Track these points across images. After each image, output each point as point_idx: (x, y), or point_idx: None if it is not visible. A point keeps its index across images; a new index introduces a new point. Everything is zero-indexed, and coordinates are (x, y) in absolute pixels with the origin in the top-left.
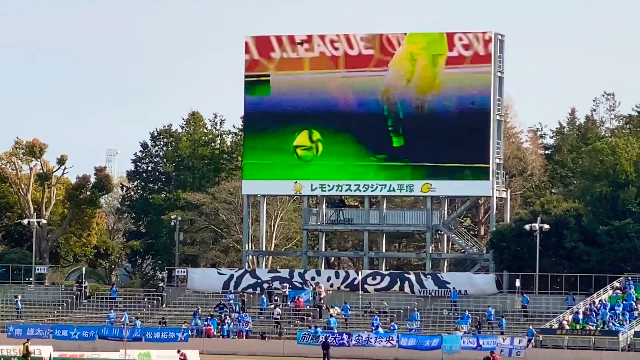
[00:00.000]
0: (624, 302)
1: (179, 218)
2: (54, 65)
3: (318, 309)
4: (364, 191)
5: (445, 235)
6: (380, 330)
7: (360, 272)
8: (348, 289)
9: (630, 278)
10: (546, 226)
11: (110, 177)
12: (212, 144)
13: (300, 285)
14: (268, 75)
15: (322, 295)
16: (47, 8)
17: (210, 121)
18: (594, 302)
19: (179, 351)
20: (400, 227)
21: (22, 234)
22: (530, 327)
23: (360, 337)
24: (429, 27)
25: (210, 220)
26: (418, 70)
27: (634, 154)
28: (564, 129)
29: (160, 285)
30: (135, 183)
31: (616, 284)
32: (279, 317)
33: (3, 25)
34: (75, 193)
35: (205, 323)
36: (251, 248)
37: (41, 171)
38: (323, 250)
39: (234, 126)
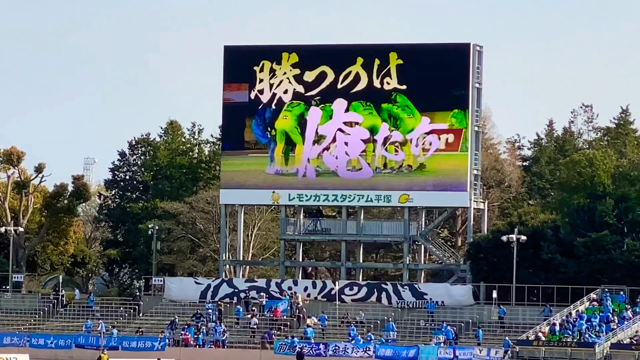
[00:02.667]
0: (601, 314)
1: (157, 227)
2: (32, 73)
3: (296, 319)
4: (341, 201)
5: (422, 246)
6: (361, 340)
7: (337, 283)
8: (325, 299)
9: (606, 290)
10: (523, 237)
11: (88, 186)
12: (190, 153)
13: (277, 295)
14: (246, 85)
15: (299, 305)
16: (26, 15)
17: (188, 130)
18: (570, 314)
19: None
20: (378, 238)
21: None
22: (507, 338)
23: (337, 348)
24: (407, 38)
25: (188, 230)
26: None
27: (611, 166)
28: (541, 141)
29: (137, 294)
30: (113, 192)
31: (593, 295)
32: (255, 326)
33: None
34: (53, 201)
35: (182, 332)
36: (228, 257)
37: (19, 179)
38: (300, 260)
39: (212, 135)
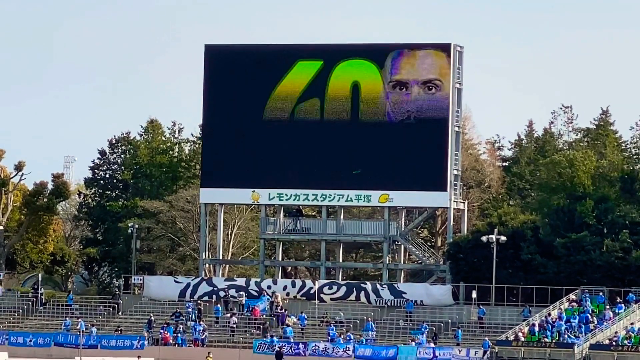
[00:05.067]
0: (580, 315)
1: (136, 226)
2: (11, 71)
3: (276, 318)
4: (321, 201)
5: (402, 246)
6: (341, 340)
7: (316, 282)
8: (304, 298)
9: (586, 290)
10: (503, 238)
11: (68, 184)
12: (170, 152)
13: (256, 294)
14: (227, 85)
15: (280, 305)
16: (6, 11)
17: (168, 129)
18: (549, 314)
19: (138, 357)
20: (358, 237)
21: None
22: (486, 338)
23: (316, 347)
24: (388, 38)
25: (168, 228)
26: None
27: (591, 166)
28: (522, 141)
29: (116, 293)
30: (93, 190)
31: (572, 296)
32: (235, 326)
33: None
34: (33, 199)
35: (162, 331)
36: (208, 257)
37: None
38: (280, 259)
39: (192, 134)
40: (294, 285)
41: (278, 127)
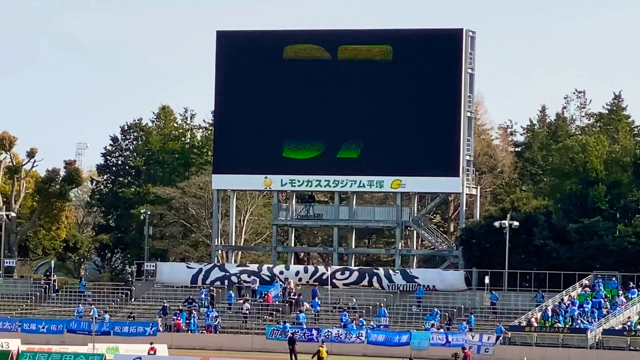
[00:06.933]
0: (593, 300)
1: (149, 212)
2: (23, 58)
3: (288, 305)
4: (334, 187)
5: (414, 232)
6: (354, 326)
7: (329, 268)
8: (317, 283)
9: (599, 276)
10: (516, 223)
11: (80, 171)
12: (183, 139)
13: (269, 280)
14: (239, 71)
15: (293, 291)
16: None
17: (180, 115)
18: (562, 300)
19: (151, 343)
20: (370, 223)
21: None
22: (499, 324)
23: (329, 333)
24: (399, 24)
25: (180, 215)
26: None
27: (604, 152)
28: (534, 126)
29: (129, 279)
30: (105, 177)
31: (585, 281)
32: (247, 312)
33: None
34: (45, 186)
35: (175, 317)
36: (220, 243)
37: (11, 164)
38: (292, 245)
39: (204, 121)
40: (306, 271)
41: (290, 113)
